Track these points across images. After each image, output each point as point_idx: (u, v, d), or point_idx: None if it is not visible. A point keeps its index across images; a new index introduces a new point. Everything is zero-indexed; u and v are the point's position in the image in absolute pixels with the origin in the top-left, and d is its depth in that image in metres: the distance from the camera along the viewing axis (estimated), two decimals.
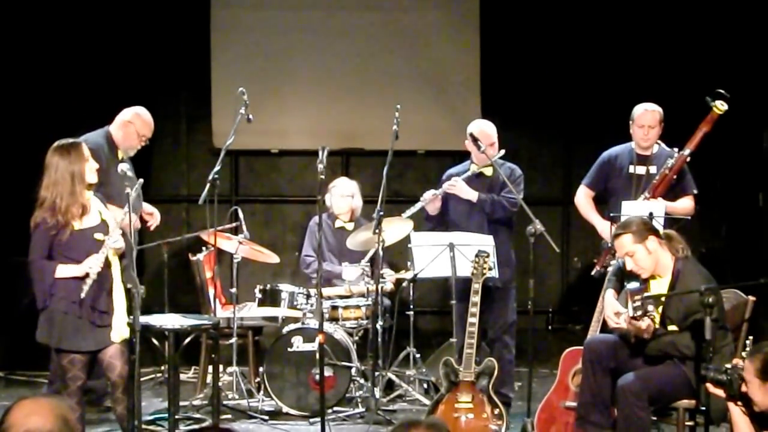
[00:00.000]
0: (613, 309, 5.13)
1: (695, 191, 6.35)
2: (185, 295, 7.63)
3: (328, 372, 6.20)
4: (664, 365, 5.02)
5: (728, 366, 4.30)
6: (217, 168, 6.23)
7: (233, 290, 6.49)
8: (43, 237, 5.03)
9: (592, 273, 6.26)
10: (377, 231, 6.24)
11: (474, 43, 9.06)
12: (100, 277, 5.09)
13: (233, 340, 6.43)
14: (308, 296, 6.56)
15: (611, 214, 6.07)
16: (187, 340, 5.85)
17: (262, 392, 6.43)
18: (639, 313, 4.84)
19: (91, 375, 5.32)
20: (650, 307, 4.84)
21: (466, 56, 9.08)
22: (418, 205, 6.44)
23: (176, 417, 5.76)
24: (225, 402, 6.39)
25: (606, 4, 8.88)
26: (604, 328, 5.46)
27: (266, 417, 6.29)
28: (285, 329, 6.49)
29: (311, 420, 6.20)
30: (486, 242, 6.03)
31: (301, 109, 9.09)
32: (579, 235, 8.74)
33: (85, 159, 5.10)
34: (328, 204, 7.10)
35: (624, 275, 5.29)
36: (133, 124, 6.30)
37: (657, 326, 5.00)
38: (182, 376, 6.95)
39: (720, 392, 4.32)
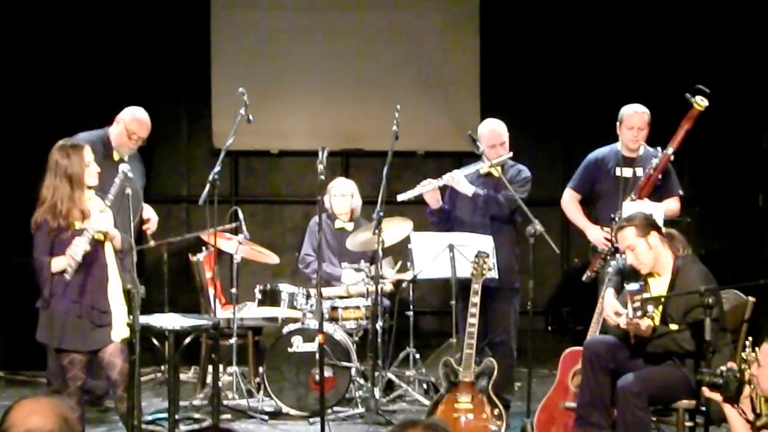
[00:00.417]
0: (613, 308, 5.13)
1: (681, 192, 6.31)
2: (185, 295, 7.64)
3: (327, 372, 6.20)
4: (664, 366, 5.02)
5: (723, 368, 4.29)
6: (217, 168, 6.23)
7: (233, 290, 6.50)
8: (45, 237, 5.06)
9: (583, 278, 6.23)
10: (377, 231, 6.24)
11: (474, 44, 9.07)
12: (99, 276, 5.10)
13: (233, 340, 6.43)
14: (308, 296, 6.57)
15: (611, 215, 6.04)
16: (187, 340, 5.84)
17: (262, 392, 6.43)
18: (639, 314, 4.85)
19: (92, 375, 5.33)
20: (650, 308, 4.84)
21: (466, 57, 9.09)
22: (416, 190, 6.34)
23: (176, 417, 5.75)
24: (225, 402, 6.40)
25: (605, 5, 8.89)
26: (604, 328, 5.47)
27: (266, 417, 6.29)
28: (285, 329, 6.49)
29: (311, 420, 6.20)
30: (485, 243, 6.03)
31: (301, 110, 9.09)
32: (578, 235, 8.70)
33: (85, 163, 5.11)
34: (327, 205, 7.09)
35: (624, 275, 5.30)
36: (122, 122, 6.20)
37: (658, 324, 5.00)
38: (182, 376, 6.95)
39: (716, 396, 4.30)
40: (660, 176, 6.13)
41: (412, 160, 9.11)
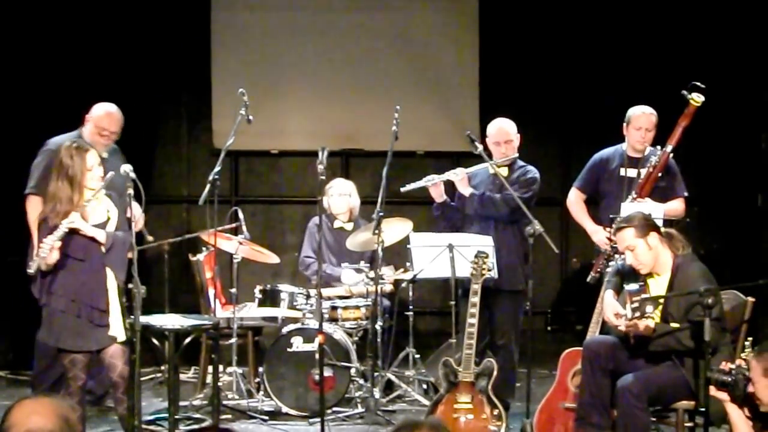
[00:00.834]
0: (612, 310, 5.14)
1: (686, 194, 6.31)
2: (185, 295, 7.63)
3: (327, 372, 6.20)
4: (664, 366, 5.03)
5: (732, 366, 4.29)
6: (217, 168, 6.23)
7: (233, 290, 6.50)
8: (45, 235, 5.06)
9: (588, 279, 6.22)
10: (377, 232, 6.24)
11: (473, 44, 9.07)
12: (97, 275, 5.11)
13: (233, 340, 6.44)
14: (308, 296, 6.57)
15: (611, 216, 6.04)
16: (187, 340, 5.84)
17: (261, 392, 6.44)
18: (638, 314, 4.85)
19: (92, 375, 5.33)
20: (649, 309, 4.85)
21: (466, 57, 9.08)
22: (419, 183, 6.36)
23: (176, 417, 5.76)
24: (225, 402, 6.40)
25: (605, 5, 8.89)
26: (604, 328, 5.47)
27: (266, 417, 6.29)
28: (285, 329, 6.49)
29: (311, 420, 6.20)
30: (485, 243, 6.03)
31: (301, 110, 9.09)
32: (578, 235, 8.70)
33: (87, 167, 5.13)
34: (326, 205, 7.09)
35: (623, 276, 5.30)
36: (92, 119, 6.13)
37: (658, 323, 5.00)
38: (182, 376, 6.95)
39: (724, 395, 4.31)
40: (660, 174, 6.14)
41: (411, 160, 9.09)
